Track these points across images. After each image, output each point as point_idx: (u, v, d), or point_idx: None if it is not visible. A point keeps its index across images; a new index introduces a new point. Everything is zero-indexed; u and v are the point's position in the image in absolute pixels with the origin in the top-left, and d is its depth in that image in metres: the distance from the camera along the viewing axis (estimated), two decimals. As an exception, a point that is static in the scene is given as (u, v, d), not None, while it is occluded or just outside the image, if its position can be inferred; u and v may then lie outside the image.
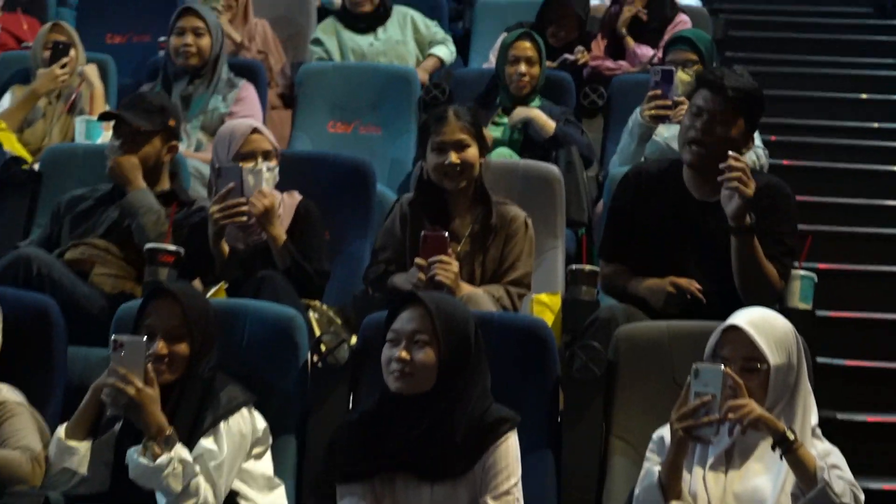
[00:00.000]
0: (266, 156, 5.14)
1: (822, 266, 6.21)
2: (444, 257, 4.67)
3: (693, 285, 4.64)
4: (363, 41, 7.84)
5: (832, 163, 8.07)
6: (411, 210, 5.01)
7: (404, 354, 3.72)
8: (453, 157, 4.90)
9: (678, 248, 4.71)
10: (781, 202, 4.73)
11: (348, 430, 3.82)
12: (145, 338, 3.90)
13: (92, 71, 6.72)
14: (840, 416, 5.35)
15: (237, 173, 4.88)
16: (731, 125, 4.63)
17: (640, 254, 4.78)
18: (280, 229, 4.97)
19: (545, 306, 4.89)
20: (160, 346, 3.96)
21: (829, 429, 4.00)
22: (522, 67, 6.68)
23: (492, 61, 7.38)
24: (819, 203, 7.41)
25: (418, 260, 4.69)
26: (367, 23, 7.89)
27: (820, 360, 5.19)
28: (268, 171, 5.06)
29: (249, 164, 5.05)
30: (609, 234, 4.92)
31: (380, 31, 7.89)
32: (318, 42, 7.89)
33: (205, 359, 4.03)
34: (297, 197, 5.25)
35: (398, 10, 7.98)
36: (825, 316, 5.94)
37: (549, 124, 6.48)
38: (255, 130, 5.17)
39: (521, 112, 6.58)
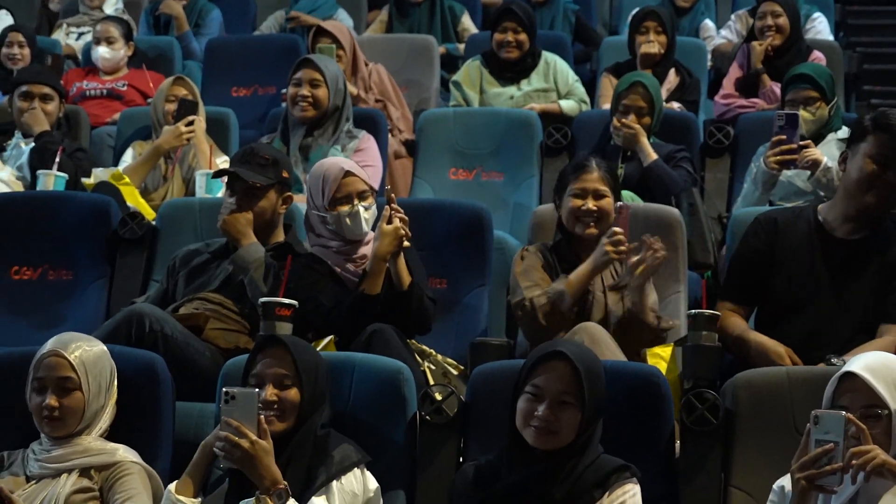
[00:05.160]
0: (361, 196, 5.12)
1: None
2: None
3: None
4: (505, 94, 7.79)
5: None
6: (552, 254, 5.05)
7: (549, 414, 3.73)
8: (591, 204, 4.99)
9: (816, 286, 4.64)
10: None
11: (472, 470, 3.83)
12: (256, 389, 3.85)
13: (199, 126, 6.67)
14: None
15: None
16: None
17: (772, 295, 4.69)
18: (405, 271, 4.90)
19: (658, 357, 4.80)
20: (269, 393, 3.94)
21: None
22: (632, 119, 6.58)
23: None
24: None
25: (616, 228, 4.81)
26: (513, 73, 7.86)
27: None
28: (365, 212, 5.09)
29: (345, 208, 5.07)
30: (735, 276, 4.83)
31: (523, 82, 7.85)
32: (458, 86, 7.88)
33: (317, 413, 4.00)
34: None
35: (544, 57, 7.94)
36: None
37: (651, 154, 6.41)
38: (347, 173, 5.15)
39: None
